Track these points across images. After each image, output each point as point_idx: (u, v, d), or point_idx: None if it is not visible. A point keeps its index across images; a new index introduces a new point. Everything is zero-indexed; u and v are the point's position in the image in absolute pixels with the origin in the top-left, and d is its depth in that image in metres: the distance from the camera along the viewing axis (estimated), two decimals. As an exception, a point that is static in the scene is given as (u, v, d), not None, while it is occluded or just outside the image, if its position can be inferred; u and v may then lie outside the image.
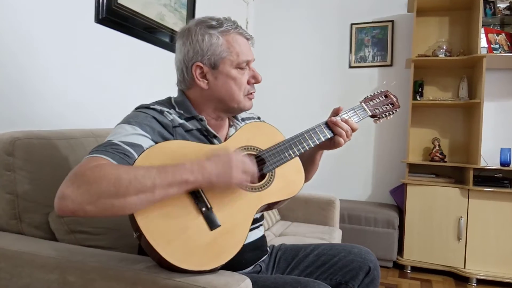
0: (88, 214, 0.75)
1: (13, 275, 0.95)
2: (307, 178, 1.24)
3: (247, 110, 1.10)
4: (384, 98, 1.26)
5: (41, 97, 1.49)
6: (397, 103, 1.27)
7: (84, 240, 1.12)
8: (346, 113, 1.17)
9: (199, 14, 2.50)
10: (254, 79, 1.07)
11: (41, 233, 1.11)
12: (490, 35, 2.75)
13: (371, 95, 1.26)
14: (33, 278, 0.93)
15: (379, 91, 1.28)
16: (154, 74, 2.16)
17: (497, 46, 2.73)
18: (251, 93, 1.08)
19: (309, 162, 1.24)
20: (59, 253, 0.95)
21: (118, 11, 1.82)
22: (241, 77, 1.03)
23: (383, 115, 1.24)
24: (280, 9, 3.54)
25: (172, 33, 2.26)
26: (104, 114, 1.79)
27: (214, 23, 1.02)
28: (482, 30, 2.71)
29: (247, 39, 1.06)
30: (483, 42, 2.71)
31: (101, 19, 1.72)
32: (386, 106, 1.25)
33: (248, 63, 1.05)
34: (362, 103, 1.23)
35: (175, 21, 2.27)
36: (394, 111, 1.26)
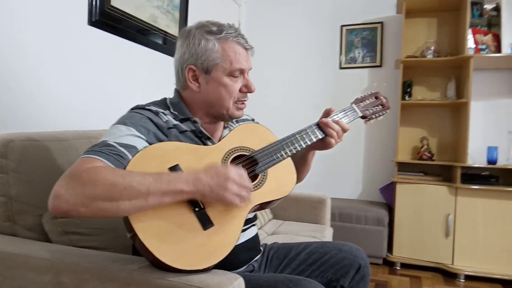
0: (81, 215, 0.76)
1: (6, 277, 0.95)
2: (299, 179, 1.26)
3: (237, 118, 1.10)
4: (374, 99, 1.28)
5: (33, 99, 1.49)
6: (387, 104, 1.28)
7: (78, 241, 1.12)
8: (337, 114, 1.19)
9: (192, 16, 2.51)
10: (246, 88, 1.07)
11: (35, 235, 1.11)
12: (477, 35, 2.79)
13: (361, 96, 1.28)
14: (27, 280, 0.93)
15: (369, 93, 1.29)
16: (146, 76, 2.16)
17: (484, 46, 2.77)
18: (241, 101, 1.08)
19: (301, 162, 1.25)
20: (53, 254, 0.95)
21: (111, 13, 1.82)
22: (232, 85, 1.04)
23: (374, 116, 1.26)
24: (272, 11, 3.56)
25: (164, 35, 2.26)
26: (96, 116, 1.80)
27: (214, 28, 1.02)
28: (470, 31, 2.76)
29: (246, 49, 1.06)
30: (470, 43, 2.76)
31: (94, 22, 1.72)
32: (376, 107, 1.27)
33: (242, 72, 1.05)
34: (353, 105, 1.24)
35: (167, 23, 2.28)
36: (384, 112, 1.28)
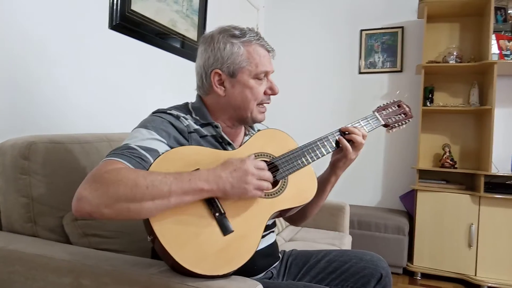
0: (104, 216, 0.76)
1: (28, 278, 0.96)
2: (310, 213, 1.25)
3: (259, 122, 1.10)
4: (397, 107, 1.26)
5: (52, 102, 1.51)
6: (410, 113, 1.26)
7: (98, 244, 1.13)
8: (359, 121, 1.17)
9: (211, 20, 2.52)
10: (271, 91, 1.07)
11: (55, 236, 1.12)
12: (501, 41, 2.73)
13: (384, 104, 1.26)
14: (47, 282, 0.94)
15: (392, 101, 1.28)
16: (165, 80, 2.18)
17: (508, 52, 2.71)
18: (264, 104, 1.08)
19: (321, 188, 1.18)
20: (73, 256, 0.96)
21: (131, 17, 1.84)
22: (258, 87, 1.04)
23: (396, 125, 1.24)
24: (290, 15, 3.55)
25: (183, 39, 2.28)
26: (116, 119, 1.81)
27: (237, 32, 1.03)
28: (493, 37, 2.70)
29: (268, 51, 1.07)
30: (494, 49, 2.70)
31: (114, 26, 1.75)
32: (399, 115, 1.25)
33: (266, 74, 1.06)
34: (375, 112, 1.22)
35: (186, 27, 2.30)
36: (407, 121, 1.26)
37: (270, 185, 0.91)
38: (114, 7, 1.73)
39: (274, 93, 1.08)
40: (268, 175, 0.90)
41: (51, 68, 1.49)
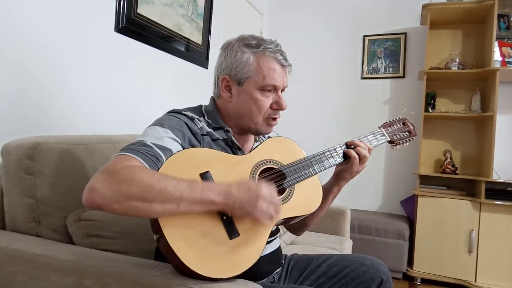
0: (113, 211, 0.76)
1: (30, 278, 0.96)
2: (311, 223, 1.26)
3: (265, 134, 1.10)
4: (402, 125, 1.28)
5: (58, 105, 1.52)
6: (414, 131, 1.29)
7: (100, 244, 1.13)
8: (366, 136, 1.19)
9: (215, 24, 2.54)
10: (277, 105, 1.05)
11: (59, 236, 1.12)
12: (503, 48, 2.74)
13: (390, 121, 1.29)
14: (50, 281, 0.94)
15: (397, 118, 1.31)
16: (169, 83, 2.19)
17: (510, 59, 2.71)
18: (272, 118, 1.06)
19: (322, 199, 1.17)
20: (76, 257, 0.96)
21: (137, 20, 1.85)
22: (263, 100, 1.03)
23: (400, 142, 1.27)
24: (294, 20, 3.57)
25: (188, 42, 2.29)
26: (120, 121, 1.82)
27: (253, 42, 1.03)
28: (496, 44, 2.70)
29: (283, 65, 1.05)
30: (496, 56, 2.70)
31: (120, 29, 1.76)
32: (403, 133, 1.27)
33: (275, 88, 1.04)
34: (382, 128, 1.25)
35: (191, 31, 2.31)
36: (411, 139, 1.29)
37: (277, 214, 0.89)
38: (121, 10, 1.74)
39: (280, 109, 1.06)
40: (277, 201, 0.89)
41: (56, 70, 1.50)
